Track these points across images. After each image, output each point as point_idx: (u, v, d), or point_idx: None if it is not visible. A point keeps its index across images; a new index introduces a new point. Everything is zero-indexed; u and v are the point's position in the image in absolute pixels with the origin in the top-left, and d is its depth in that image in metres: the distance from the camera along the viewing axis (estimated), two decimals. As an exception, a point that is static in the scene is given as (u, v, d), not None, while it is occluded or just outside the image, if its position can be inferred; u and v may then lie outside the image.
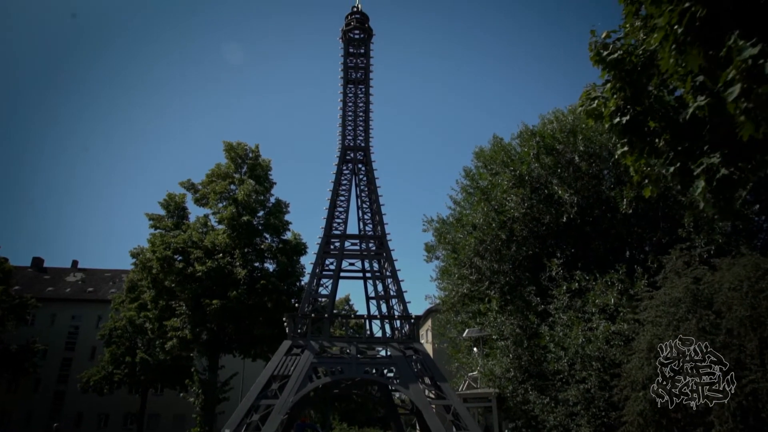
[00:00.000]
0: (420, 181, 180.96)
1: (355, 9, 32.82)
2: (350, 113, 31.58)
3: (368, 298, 31.71)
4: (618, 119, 8.54)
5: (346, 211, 30.14)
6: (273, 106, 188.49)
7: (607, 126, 8.91)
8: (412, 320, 26.84)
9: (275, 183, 39.42)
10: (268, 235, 37.70)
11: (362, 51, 32.36)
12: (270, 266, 37.49)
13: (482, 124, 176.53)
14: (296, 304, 32.73)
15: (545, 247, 24.58)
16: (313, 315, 27.26)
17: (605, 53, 8.24)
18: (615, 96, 8.56)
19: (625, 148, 8.73)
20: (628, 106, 8.47)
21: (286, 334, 26.20)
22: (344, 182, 30.76)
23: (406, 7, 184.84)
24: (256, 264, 36.01)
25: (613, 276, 20.10)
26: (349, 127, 31.58)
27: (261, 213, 37.81)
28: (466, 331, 26.51)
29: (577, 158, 23.85)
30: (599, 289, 20.28)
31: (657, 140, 8.63)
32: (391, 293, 28.20)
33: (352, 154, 31.27)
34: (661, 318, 14.29)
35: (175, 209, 37.64)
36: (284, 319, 26.71)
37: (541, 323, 22.16)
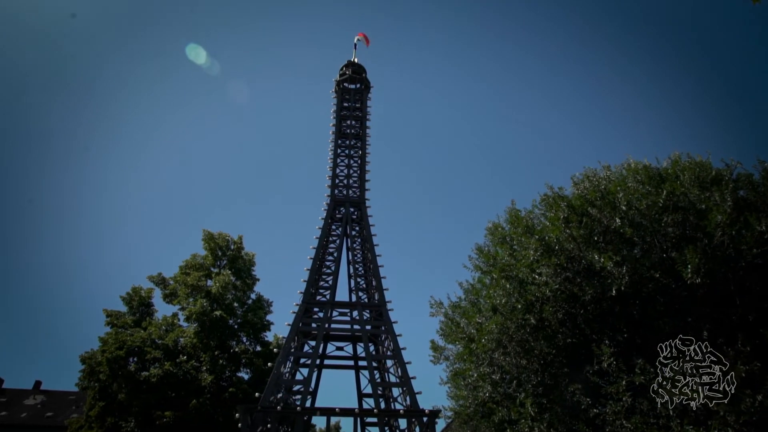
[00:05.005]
0: (427, 258, 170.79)
1: (350, 61, 30.09)
2: (343, 166, 27.13)
3: (361, 395, 24.65)
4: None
5: (334, 276, 24.42)
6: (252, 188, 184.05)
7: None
8: (425, 417, 19.30)
9: (258, 279, 34.58)
10: (245, 337, 32.12)
11: (358, 104, 28.53)
12: (245, 376, 31.46)
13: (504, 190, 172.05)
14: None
15: (587, 332, 19.33)
16: (279, 408, 19.86)
17: None
18: None
19: None
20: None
21: None
22: (334, 243, 25.52)
23: (416, 59, 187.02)
24: (228, 372, 29.97)
25: (693, 363, 14.89)
26: (341, 180, 26.83)
27: (239, 311, 32.61)
28: (490, 449, 20.28)
29: (618, 221, 19.51)
30: (675, 381, 14.99)
31: None
32: (393, 379, 20.96)
33: (343, 210, 25.47)
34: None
35: (139, 305, 32.37)
36: (236, 414, 19.75)
37: (595, 434, 16.51)
